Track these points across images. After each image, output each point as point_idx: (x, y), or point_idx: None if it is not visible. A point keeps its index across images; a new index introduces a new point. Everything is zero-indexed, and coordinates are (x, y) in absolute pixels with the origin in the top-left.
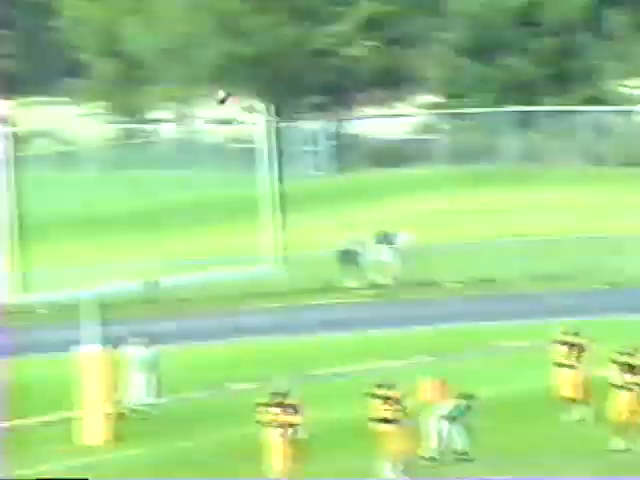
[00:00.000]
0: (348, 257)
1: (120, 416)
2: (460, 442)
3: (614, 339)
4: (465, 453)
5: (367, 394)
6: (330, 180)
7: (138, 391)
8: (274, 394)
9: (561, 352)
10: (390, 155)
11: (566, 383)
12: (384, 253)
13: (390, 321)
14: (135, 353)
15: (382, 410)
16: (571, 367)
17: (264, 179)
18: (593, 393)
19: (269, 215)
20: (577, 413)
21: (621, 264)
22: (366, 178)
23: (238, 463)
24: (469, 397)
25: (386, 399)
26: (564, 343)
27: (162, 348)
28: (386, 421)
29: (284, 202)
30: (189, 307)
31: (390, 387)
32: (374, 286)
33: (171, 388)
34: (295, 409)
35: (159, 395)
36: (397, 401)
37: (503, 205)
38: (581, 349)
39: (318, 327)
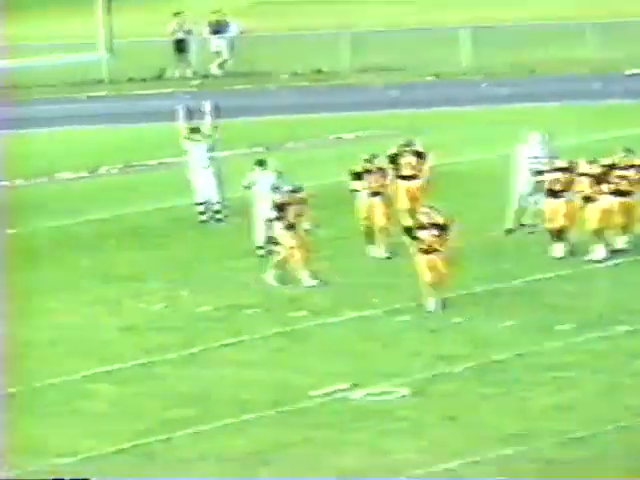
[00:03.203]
0: (178, 46)
1: None
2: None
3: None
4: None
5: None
6: None
7: None
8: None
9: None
10: None
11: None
12: (215, 42)
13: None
14: None
15: None
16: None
17: None
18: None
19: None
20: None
21: (448, 55)
22: None
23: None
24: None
25: None
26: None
27: None
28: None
29: None
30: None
31: None
32: (204, 76)
33: None
34: None
35: None
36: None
37: None
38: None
39: (147, 117)
